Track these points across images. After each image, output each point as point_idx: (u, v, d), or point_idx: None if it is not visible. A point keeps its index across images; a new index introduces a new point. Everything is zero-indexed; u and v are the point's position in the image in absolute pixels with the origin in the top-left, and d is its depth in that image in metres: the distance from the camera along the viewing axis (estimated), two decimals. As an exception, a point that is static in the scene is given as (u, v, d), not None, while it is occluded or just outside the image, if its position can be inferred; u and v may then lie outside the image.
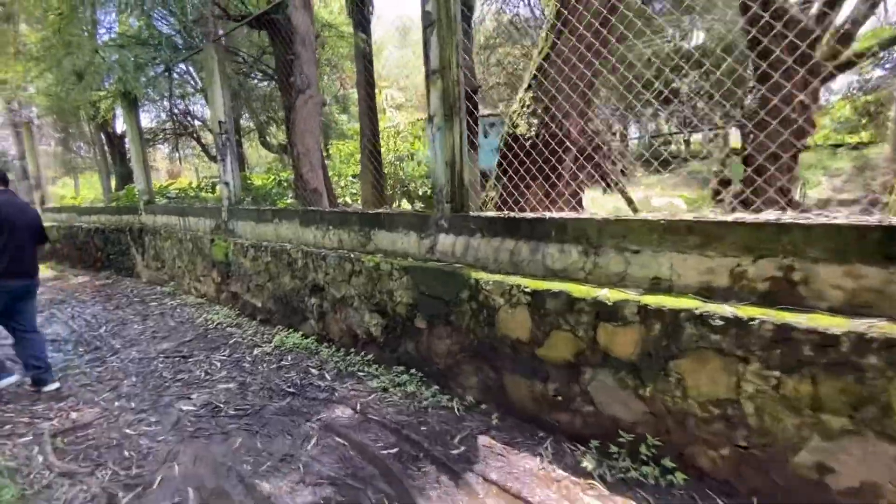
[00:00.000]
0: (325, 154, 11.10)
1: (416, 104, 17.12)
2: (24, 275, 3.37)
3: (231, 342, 4.36)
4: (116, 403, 3.18)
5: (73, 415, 3.01)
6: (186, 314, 5.45)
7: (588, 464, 2.20)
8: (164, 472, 2.37)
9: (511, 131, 4.36)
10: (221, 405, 3.09)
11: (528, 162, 3.81)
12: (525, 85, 4.45)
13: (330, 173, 11.56)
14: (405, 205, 14.72)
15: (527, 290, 2.41)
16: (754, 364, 1.76)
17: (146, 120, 20.35)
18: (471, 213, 2.86)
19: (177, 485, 2.27)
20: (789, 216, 1.80)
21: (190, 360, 3.95)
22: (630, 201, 12.81)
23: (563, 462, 2.26)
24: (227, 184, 5.26)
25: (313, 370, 3.58)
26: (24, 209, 3.44)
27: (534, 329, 2.42)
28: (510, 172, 4.04)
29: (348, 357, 3.68)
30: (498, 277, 2.58)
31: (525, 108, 4.33)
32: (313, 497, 2.14)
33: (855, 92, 13.56)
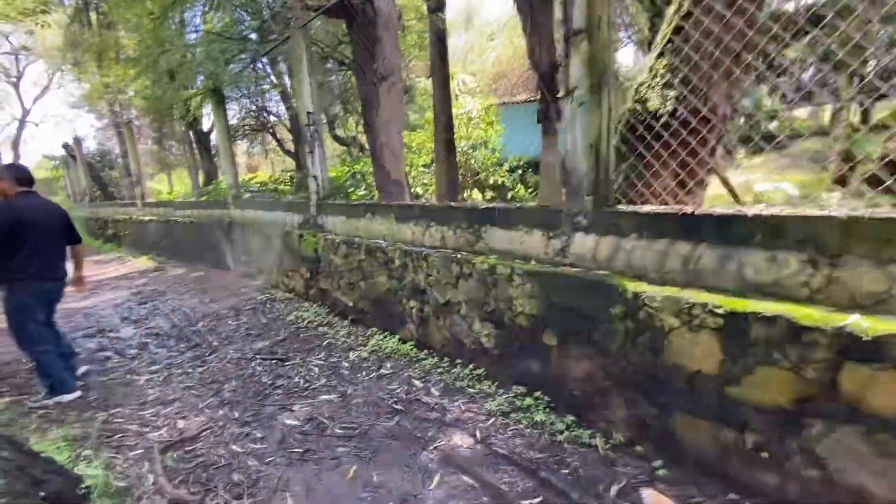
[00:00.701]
0: (400, 144, 10.79)
1: (487, 89, 16.48)
2: (55, 277, 3.29)
3: (325, 343, 4.16)
4: (220, 412, 3.02)
5: (181, 423, 2.88)
6: (277, 310, 5.39)
7: (816, 549, 1.63)
8: (277, 505, 2.12)
9: (637, 107, 3.71)
10: (326, 421, 2.82)
11: (656, 145, 3.16)
12: (656, 51, 3.75)
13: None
14: (476, 195, 14.25)
15: (717, 310, 1.84)
16: None
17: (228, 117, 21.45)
18: (621, 208, 2.31)
19: (292, 524, 2.00)
20: None
21: (287, 363, 3.77)
22: (731, 189, 11.43)
23: (775, 541, 1.70)
24: (315, 177, 5.07)
25: (417, 382, 3.24)
26: (50, 211, 3.33)
27: (726, 361, 1.85)
28: (632, 158, 3.41)
29: (454, 369, 3.30)
30: (668, 291, 2.03)
31: (657, 79, 3.65)
32: (452, 560, 1.76)
33: None
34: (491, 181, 14.46)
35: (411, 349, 3.72)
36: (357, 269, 4.33)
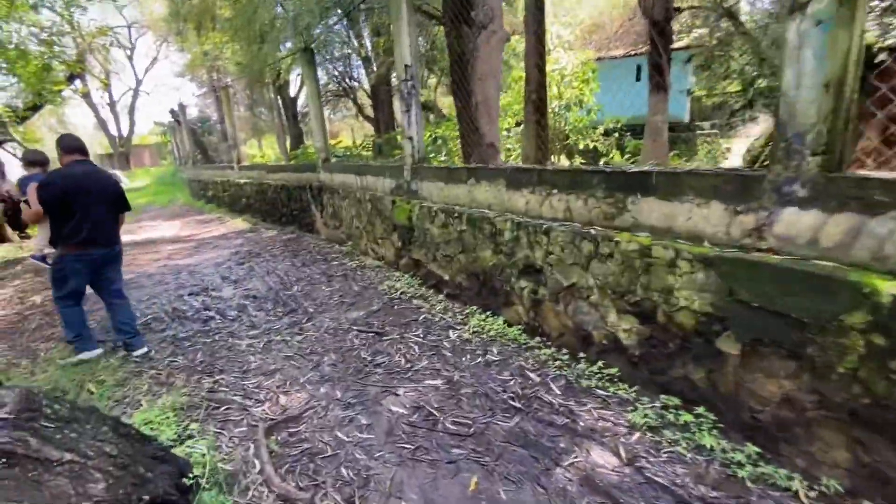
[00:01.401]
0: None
1: (581, 43, 14.98)
2: (103, 244, 3.28)
3: (421, 318, 3.86)
4: (322, 389, 2.83)
5: (283, 399, 2.72)
6: (367, 278, 5.21)
7: None
8: (393, 517, 1.83)
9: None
10: (435, 412, 2.50)
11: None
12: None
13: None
14: (563, 161, 13.23)
15: None
16: None
17: (299, 89, 21.87)
18: (871, 175, 1.61)
19: (413, 545, 1.69)
20: None
21: (384, 338, 3.52)
22: None
23: None
24: (410, 139, 4.69)
25: (532, 374, 2.81)
26: (100, 180, 3.28)
27: None
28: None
29: (577, 365, 2.82)
30: (968, 300, 1.35)
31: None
32: None
33: None
34: (581, 146, 13.33)
35: (519, 334, 3.28)
36: (456, 241, 3.92)
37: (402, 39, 4.44)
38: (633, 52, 16.54)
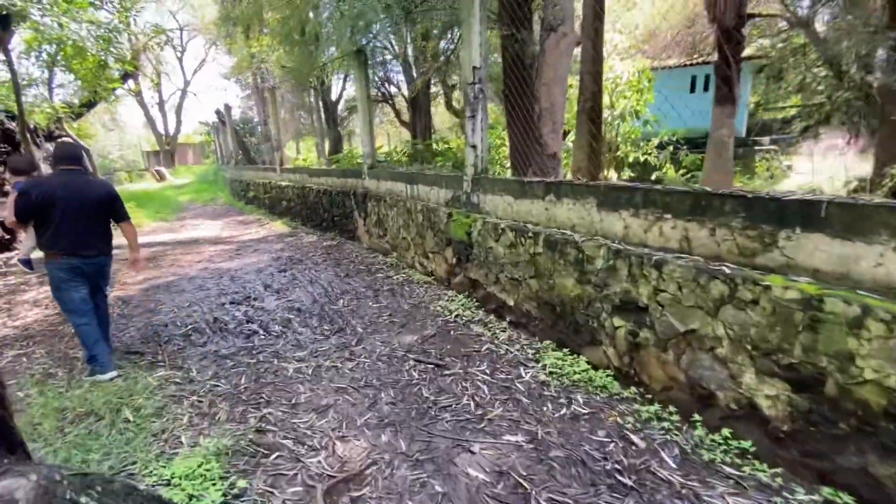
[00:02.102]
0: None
1: (636, 50, 14.34)
2: (84, 254, 3.17)
3: (484, 349, 3.42)
4: (383, 437, 2.43)
5: (340, 447, 2.33)
6: (417, 295, 4.82)
7: None
8: None
9: None
10: (524, 482, 2.05)
11: None
12: None
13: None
14: (612, 175, 12.58)
15: None
16: None
17: (352, 88, 21.98)
18: None
19: None
20: None
21: (446, 372, 3.10)
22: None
23: None
24: (473, 147, 4.29)
25: (634, 437, 2.32)
26: (83, 188, 3.16)
27: None
28: None
29: (692, 431, 2.31)
30: None
31: None
32: None
33: None
34: (632, 158, 12.65)
35: (609, 381, 2.79)
36: (528, 264, 3.48)
37: (471, 39, 4.06)
38: (688, 63, 15.76)
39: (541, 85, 5.45)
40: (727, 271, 2.12)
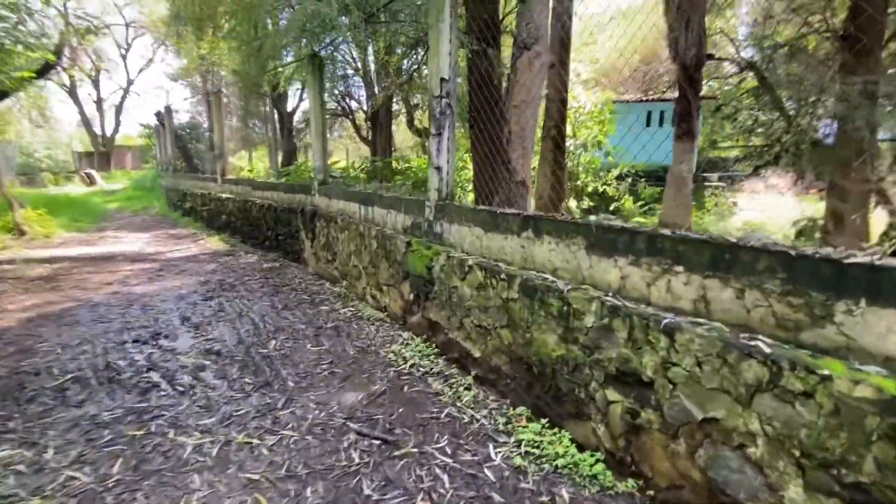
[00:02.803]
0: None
1: (596, 83, 14.55)
2: None
3: (444, 416, 2.79)
4: (301, 569, 1.72)
5: None
6: (366, 335, 4.13)
7: None
8: None
9: None
10: None
11: None
12: None
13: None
14: (571, 204, 12.50)
15: None
16: None
17: (305, 102, 21.16)
18: None
19: None
20: None
21: (397, 453, 2.43)
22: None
23: None
24: (438, 169, 3.73)
25: (639, 559, 1.76)
26: None
27: None
28: None
29: (713, 548, 1.79)
30: None
31: None
32: None
33: None
34: (591, 188, 12.64)
35: (600, 469, 2.23)
36: (499, 311, 2.91)
37: (440, 48, 3.54)
38: (644, 98, 16.27)
39: (511, 107, 5.03)
40: (766, 349, 1.63)
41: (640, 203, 12.06)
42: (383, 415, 2.81)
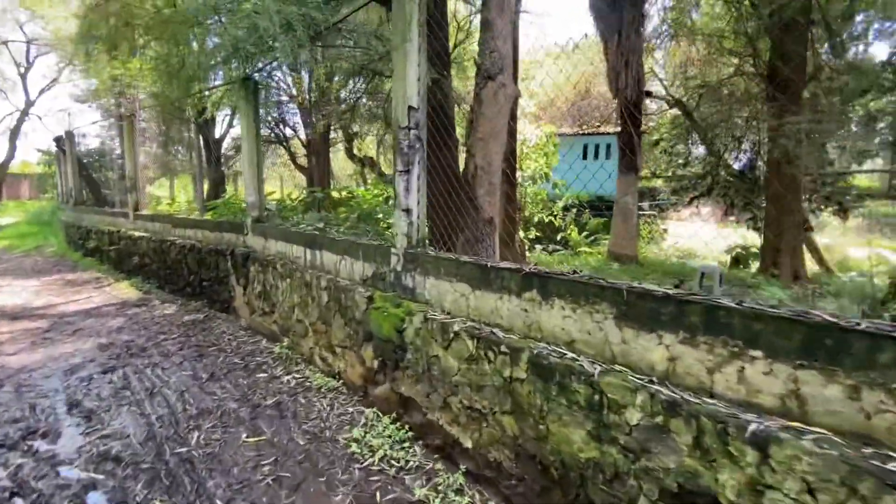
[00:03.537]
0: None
1: (550, 115, 14.85)
2: None
3: (434, 540, 2.12)
4: None
5: None
6: (318, 415, 3.35)
7: None
8: None
9: None
10: None
11: None
12: None
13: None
14: (520, 234, 12.39)
15: None
16: None
17: (236, 128, 19.90)
18: None
19: None
20: None
21: None
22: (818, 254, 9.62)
23: None
24: (407, 211, 3.14)
25: None
26: None
27: None
28: None
29: None
30: None
31: None
32: None
33: None
34: (536, 219, 12.63)
35: None
36: (500, 392, 2.33)
37: (407, 72, 3.02)
38: (581, 132, 16.90)
39: (476, 139, 4.61)
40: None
41: (585, 234, 12.19)
42: (354, 547, 2.09)
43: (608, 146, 16.10)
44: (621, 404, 1.81)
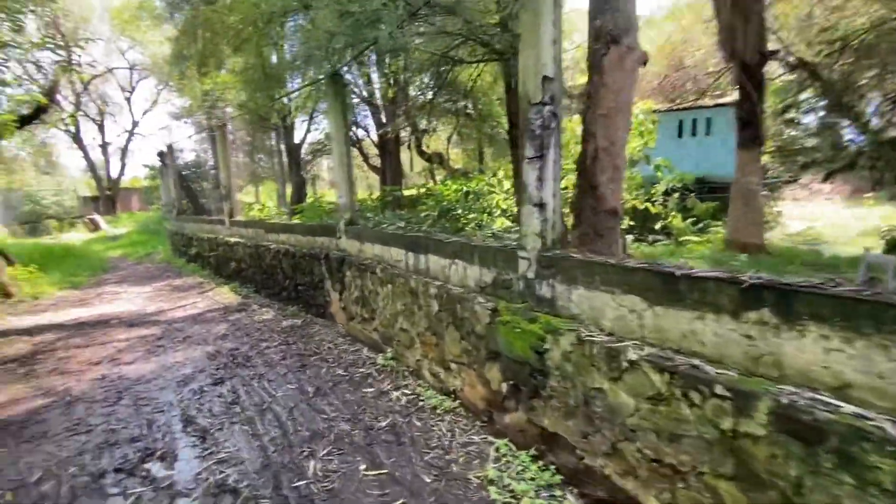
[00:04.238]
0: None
1: (639, 90, 13.63)
2: None
3: None
4: None
5: None
6: (438, 442, 2.92)
7: None
8: None
9: None
10: None
11: None
12: None
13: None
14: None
15: None
16: None
17: (317, 132, 20.53)
18: None
19: None
20: None
21: None
22: None
23: None
24: (540, 207, 2.59)
25: None
26: None
27: None
28: None
29: None
30: None
31: None
32: None
33: None
34: (630, 205, 11.47)
35: None
36: (714, 449, 1.71)
37: (540, 34, 2.45)
38: (674, 107, 15.26)
39: (597, 116, 3.93)
40: None
41: (690, 220, 10.84)
42: None
43: (707, 121, 14.36)
44: None
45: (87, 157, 30.35)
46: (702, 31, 13.71)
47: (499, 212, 9.22)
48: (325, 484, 2.61)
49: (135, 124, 31.76)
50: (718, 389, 1.67)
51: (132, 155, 36.60)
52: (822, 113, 9.55)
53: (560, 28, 2.50)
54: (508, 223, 8.72)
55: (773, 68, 11.56)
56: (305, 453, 2.92)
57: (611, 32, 3.77)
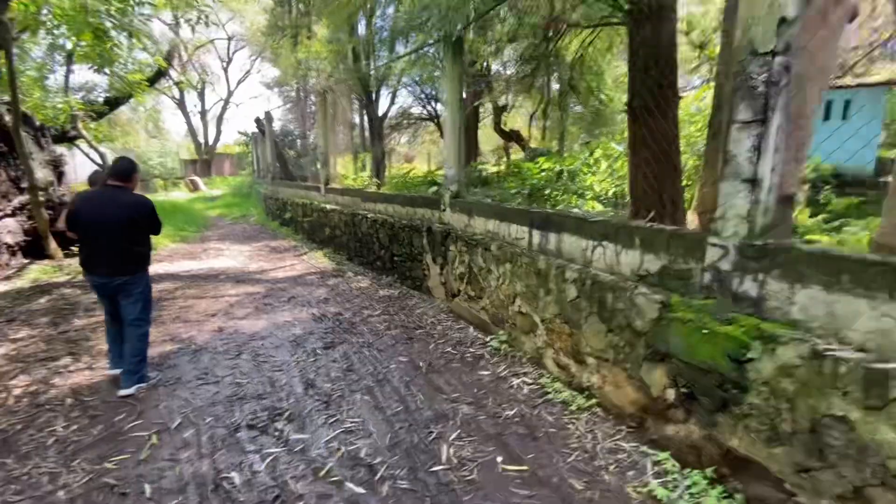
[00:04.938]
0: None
1: None
2: (101, 272, 3.13)
3: None
4: None
5: None
6: (578, 443, 2.60)
7: None
8: None
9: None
10: None
11: None
12: None
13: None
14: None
15: None
16: None
17: (399, 103, 20.49)
18: None
19: None
20: None
21: None
22: None
23: None
24: (751, 182, 2.12)
25: None
26: (107, 208, 3.07)
27: None
28: None
29: None
30: None
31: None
32: None
33: None
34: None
35: None
36: None
37: (781, -39, 1.93)
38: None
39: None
40: None
41: (822, 216, 9.45)
42: None
43: (846, 103, 12.39)
44: None
45: (188, 122, 32.88)
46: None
47: (590, 194, 8.57)
48: (463, 473, 2.40)
49: (230, 93, 33.80)
50: None
51: (227, 123, 39.20)
52: None
53: (809, -45, 1.95)
54: (601, 207, 8.07)
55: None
56: (434, 435, 2.73)
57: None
